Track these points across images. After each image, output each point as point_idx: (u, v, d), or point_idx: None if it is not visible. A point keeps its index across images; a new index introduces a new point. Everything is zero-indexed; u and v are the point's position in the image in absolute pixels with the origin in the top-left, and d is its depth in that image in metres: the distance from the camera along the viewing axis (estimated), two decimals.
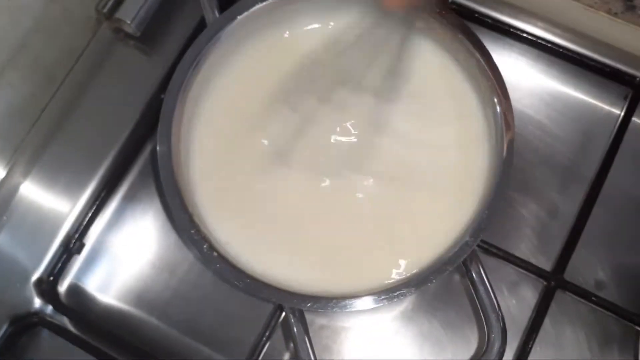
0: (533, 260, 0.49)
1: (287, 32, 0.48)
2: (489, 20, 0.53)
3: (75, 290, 0.50)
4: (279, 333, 0.48)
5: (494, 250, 0.48)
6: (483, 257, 0.45)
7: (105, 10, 0.51)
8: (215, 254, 0.40)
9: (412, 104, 0.47)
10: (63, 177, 0.51)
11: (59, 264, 0.49)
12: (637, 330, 0.47)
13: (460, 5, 0.53)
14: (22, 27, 0.49)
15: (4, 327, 0.48)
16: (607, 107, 0.52)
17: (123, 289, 0.50)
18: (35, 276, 0.49)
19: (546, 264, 0.49)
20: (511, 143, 0.42)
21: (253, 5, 0.45)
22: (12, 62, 0.49)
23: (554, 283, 0.47)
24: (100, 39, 0.54)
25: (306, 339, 0.41)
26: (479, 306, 0.41)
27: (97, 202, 0.50)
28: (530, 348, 0.46)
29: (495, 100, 0.43)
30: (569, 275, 0.48)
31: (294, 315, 0.41)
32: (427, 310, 0.49)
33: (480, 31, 0.51)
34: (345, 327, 0.49)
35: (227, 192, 0.46)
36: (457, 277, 0.49)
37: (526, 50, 0.53)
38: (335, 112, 0.47)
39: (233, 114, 0.47)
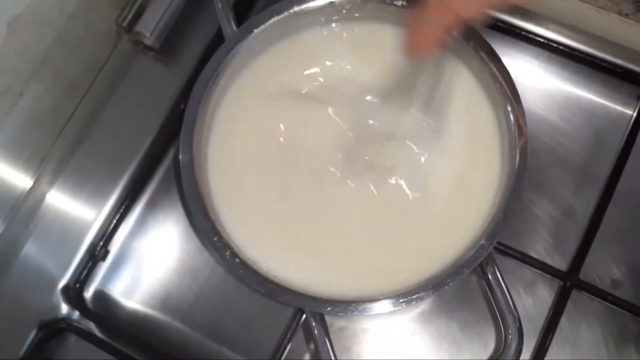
0: (548, 261, 0.49)
1: (303, 43, 0.49)
2: (501, 24, 0.53)
3: (101, 296, 0.51)
4: (299, 335, 0.49)
5: (510, 252, 0.48)
6: (499, 258, 0.45)
7: (125, 23, 0.52)
8: (237, 260, 0.41)
9: (427, 110, 0.48)
10: (87, 186, 0.52)
11: (85, 271, 0.50)
12: None
13: None
14: (45, 41, 0.50)
15: (33, 333, 0.49)
16: (619, 108, 0.52)
17: (147, 294, 0.51)
18: (62, 283, 0.50)
19: (562, 264, 0.49)
20: (524, 147, 0.43)
21: (269, 18, 0.46)
22: (37, 75, 0.50)
23: (569, 283, 0.48)
24: (121, 51, 0.55)
25: (327, 341, 0.41)
26: (495, 307, 0.42)
27: (121, 210, 0.51)
28: (547, 347, 0.46)
29: (508, 106, 0.44)
30: (585, 274, 0.48)
31: (315, 319, 0.42)
32: (444, 312, 0.49)
33: (492, 35, 0.51)
34: (365, 328, 0.49)
35: (246, 199, 0.47)
36: (473, 278, 0.49)
37: (538, 53, 0.53)
38: (352, 117, 0.48)
39: (250, 123, 0.48)
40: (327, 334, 0.42)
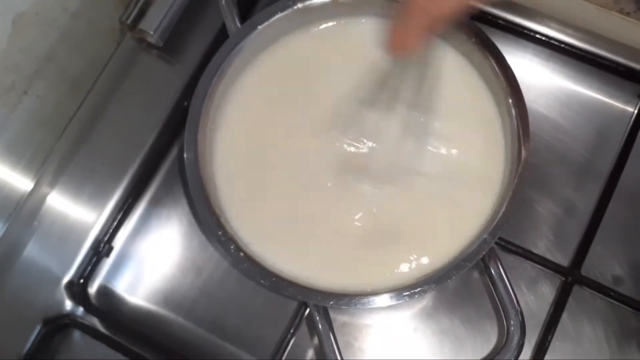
0: (550, 257, 0.49)
1: (306, 38, 0.49)
2: (503, 22, 0.53)
3: (105, 292, 0.51)
4: (303, 331, 0.49)
5: (512, 248, 0.48)
6: (501, 254, 0.46)
7: (128, 21, 0.53)
8: (242, 254, 0.41)
9: (430, 105, 0.48)
10: (92, 182, 0.52)
11: (89, 267, 0.51)
12: None
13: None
14: (49, 39, 0.50)
15: (37, 329, 0.49)
16: (621, 105, 0.53)
17: (151, 290, 0.51)
18: (66, 279, 0.51)
19: (563, 260, 0.49)
20: (527, 144, 0.43)
21: (273, 15, 0.46)
22: (40, 73, 0.51)
23: (571, 278, 0.48)
24: (124, 49, 0.55)
25: (331, 335, 0.42)
26: (497, 301, 0.42)
27: (125, 207, 0.52)
28: (549, 343, 0.47)
29: (511, 102, 0.44)
30: (586, 271, 0.48)
31: (319, 312, 0.42)
32: (446, 308, 0.49)
33: (494, 33, 0.52)
34: (367, 324, 0.49)
35: (251, 195, 0.47)
36: (476, 274, 0.49)
37: (540, 51, 0.54)
38: (357, 112, 0.48)
39: (254, 119, 0.48)
40: (331, 328, 0.42)
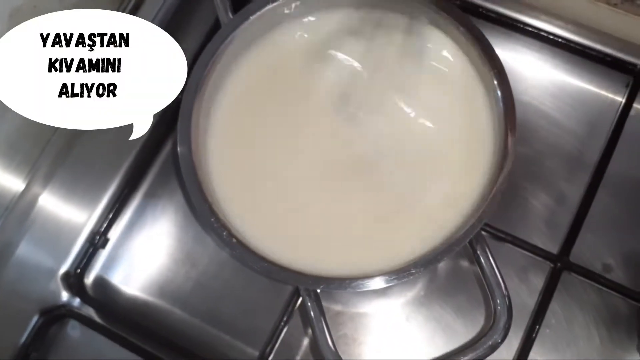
0: (541, 245, 0.49)
1: (298, 28, 0.50)
2: (493, 15, 0.54)
3: (101, 283, 0.52)
4: (296, 320, 0.50)
5: (502, 235, 0.49)
6: (492, 242, 0.46)
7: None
8: (234, 240, 0.42)
9: (420, 91, 0.49)
10: (88, 175, 0.53)
11: (85, 258, 0.51)
12: None
13: (465, 1, 0.54)
14: None
15: (35, 319, 0.50)
16: (609, 95, 0.53)
17: (146, 281, 0.52)
18: (62, 270, 0.51)
19: (553, 249, 0.50)
20: (513, 127, 0.43)
21: (265, 5, 0.47)
22: None
23: (560, 265, 0.48)
24: None
25: (322, 320, 0.42)
26: (484, 283, 0.43)
27: (121, 199, 0.52)
28: (538, 329, 0.47)
29: (497, 87, 0.44)
30: (576, 258, 0.49)
31: (310, 297, 0.42)
32: (438, 297, 0.50)
33: (484, 25, 0.53)
34: (360, 313, 0.50)
35: (245, 184, 0.47)
36: (466, 264, 0.50)
37: (530, 43, 0.54)
38: (346, 98, 0.49)
39: (247, 109, 0.49)
40: (322, 313, 0.42)
